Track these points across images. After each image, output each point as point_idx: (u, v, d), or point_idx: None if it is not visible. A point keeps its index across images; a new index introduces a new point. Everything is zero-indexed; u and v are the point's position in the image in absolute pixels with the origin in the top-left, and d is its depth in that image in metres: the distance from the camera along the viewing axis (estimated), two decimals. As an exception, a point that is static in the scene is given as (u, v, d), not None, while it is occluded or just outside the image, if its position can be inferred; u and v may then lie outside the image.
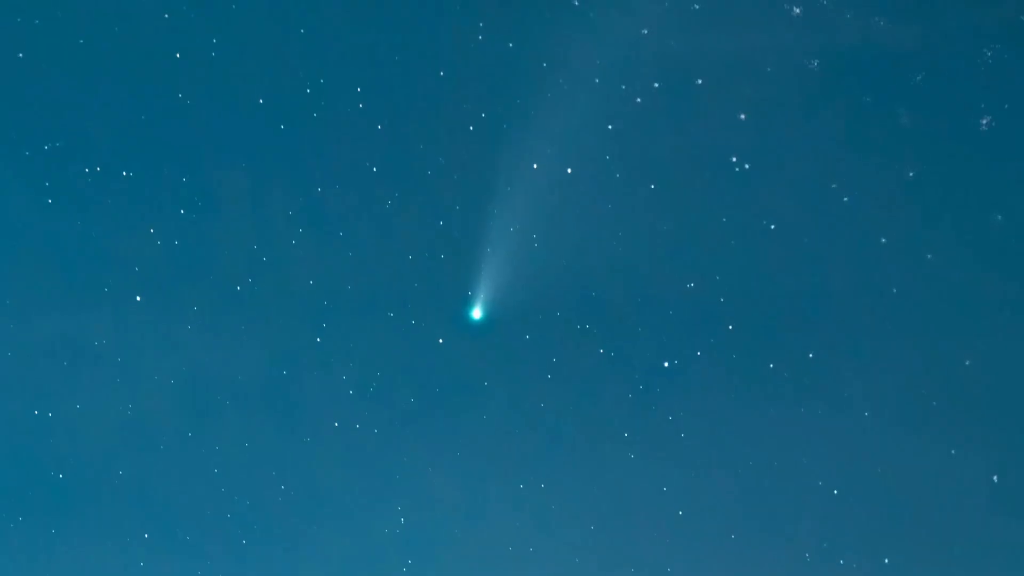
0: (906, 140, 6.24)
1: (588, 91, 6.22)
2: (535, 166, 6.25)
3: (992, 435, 6.20)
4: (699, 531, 6.40)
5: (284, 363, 6.33)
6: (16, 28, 6.08)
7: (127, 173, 6.24)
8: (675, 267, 6.31)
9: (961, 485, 6.18)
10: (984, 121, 6.18)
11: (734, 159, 6.25)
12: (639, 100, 6.24)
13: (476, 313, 6.31)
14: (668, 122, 6.26)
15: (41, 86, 6.13)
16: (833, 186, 6.23)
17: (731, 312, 6.29)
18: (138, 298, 6.26)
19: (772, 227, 6.27)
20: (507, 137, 6.26)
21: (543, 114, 6.24)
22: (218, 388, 6.31)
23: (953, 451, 6.18)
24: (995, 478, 6.16)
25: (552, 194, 6.27)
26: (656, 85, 6.24)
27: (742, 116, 6.25)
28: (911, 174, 6.23)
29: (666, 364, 6.32)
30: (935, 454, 6.16)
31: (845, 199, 6.23)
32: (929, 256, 6.22)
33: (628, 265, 6.33)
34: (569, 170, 6.27)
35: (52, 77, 6.18)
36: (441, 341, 6.33)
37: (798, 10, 6.24)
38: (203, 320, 6.29)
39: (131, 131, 6.23)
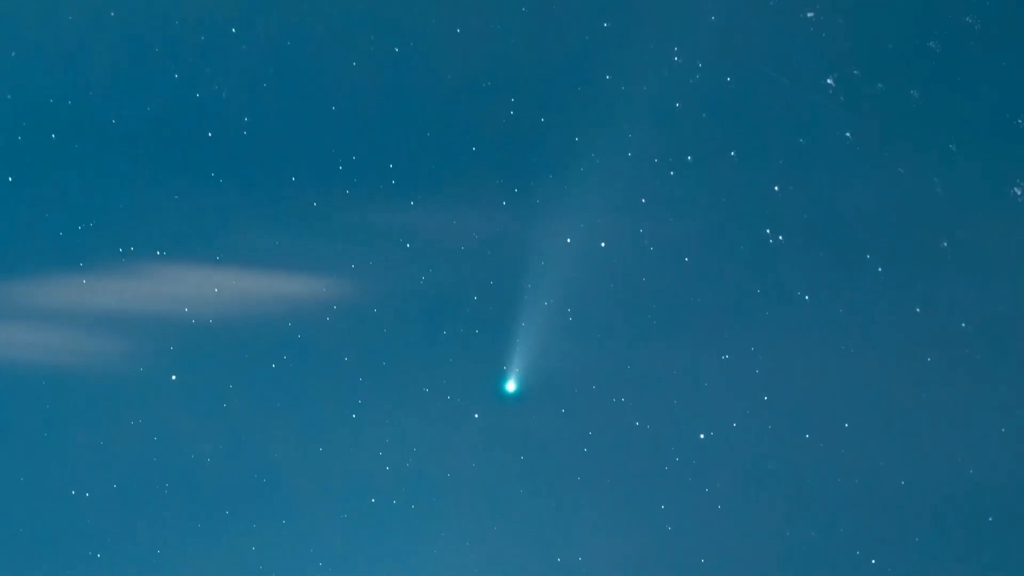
0: (940, 209, 6.25)
1: (621, 165, 6.22)
2: (568, 240, 6.26)
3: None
4: (736, 602, 6.41)
5: (319, 440, 6.32)
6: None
7: (160, 252, 6.25)
8: (709, 339, 6.31)
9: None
10: (1018, 190, 6.18)
11: (768, 231, 6.25)
12: (672, 173, 6.25)
13: (510, 386, 6.32)
14: (701, 195, 6.27)
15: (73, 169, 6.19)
16: (867, 256, 6.24)
17: (766, 383, 6.29)
18: (173, 377, 6.27)
19: (806, 298, 6.28)
20: (540, 211, 6.27)
21: (576, 188, 6.24)
22: (254, 465, 6.31)
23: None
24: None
25: (586, 268, 6.27)
26: (689, 158, 6.24)
27: (776, 188, 6.25)
28: (944, 243, 6.24)
29: (702, 436, 6.32)
30: (984, 550, 6.17)
31: (879, 269, 6.24)
32: (964, 325, 6.23)
33: (662, 338, 6.33)
34: (603, 244, 6.28)
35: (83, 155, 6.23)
36: (476, 416, 6.33)
37: (831, 81, 6.25)
38: (239, 397, 6.29)
39: (163, 210, 6.25)
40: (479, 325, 6.30)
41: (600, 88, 6.23)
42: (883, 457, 6.24)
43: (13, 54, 6.25)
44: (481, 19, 6.24)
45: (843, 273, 6.27)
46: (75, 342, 6.26)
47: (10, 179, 6.25)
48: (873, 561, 6.26)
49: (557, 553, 6.40)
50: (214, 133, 6.25)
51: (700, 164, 6.24)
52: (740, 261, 6.29)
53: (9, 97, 6.21)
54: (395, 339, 6.32)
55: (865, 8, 6.21)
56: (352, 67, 6.27)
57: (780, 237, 6.26)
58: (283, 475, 6.31)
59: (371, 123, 6.28)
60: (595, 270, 6.27)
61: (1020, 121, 6.20)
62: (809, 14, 6.19)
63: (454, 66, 6.26)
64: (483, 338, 6.30)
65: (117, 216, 6.27)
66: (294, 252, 6.30)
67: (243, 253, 6.27)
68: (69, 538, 6.32)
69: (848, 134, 6.23)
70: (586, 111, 6.24)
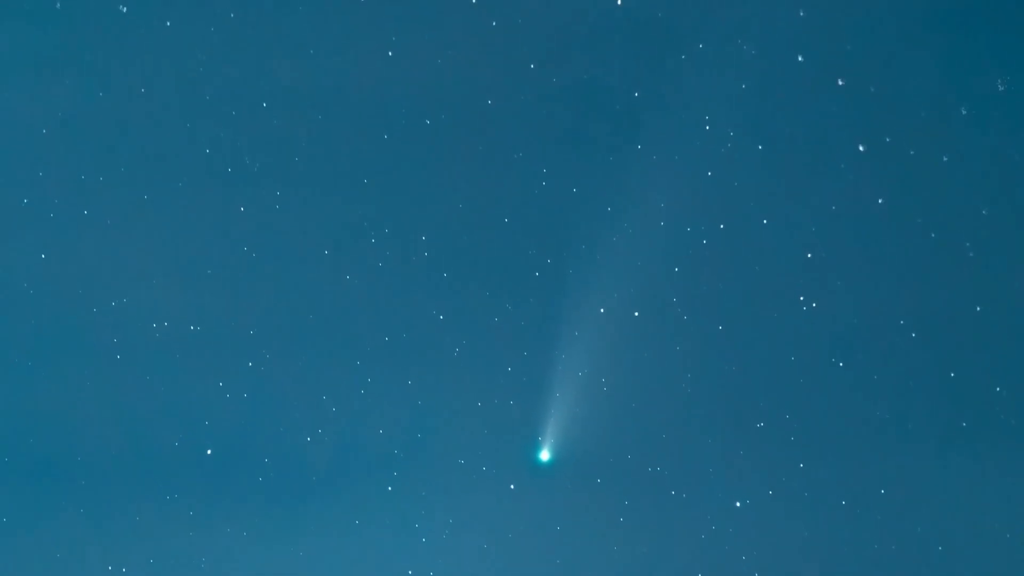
0: (972, 274, 6.24)
1: (653, 234, 6.23)
2: (602, 310, 6.26)
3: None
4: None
5: (356, 513, 6.32)
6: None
7: (194, 327, 6.26)
8: (744, 407, 6.30)
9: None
10: (1051, 255, 6.19)
11: (801, 298, 6.25)
12: (705, 242, 6.25)
13: (544, 455, 6.31)
14: (734, 263, 6.27)
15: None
16: (901, 322, 6.24)
17: (802, 451, 6.28)
18: (208, 451, 6.28)
19: (840, 365, 6.28)
20: (573, 282, 6.27)
21: (609, 258, 6.25)
22: (291, 542, 6.30)
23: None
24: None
25: (619, 338, 6.27)
26: (721, 226, 6.25)
27: (808, 255, 6.26)
28: (978, 308, 6.23)
29: (738, 504, 6.31)
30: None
31: (913, 335, 6.24)
32: (999, 390, 6.22)
33: (698, 406, 6.32)
34: (636, 313, 6.28)
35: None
36: (512, 487, 6.32)
37: (862, 148, 6.25)
38: (274, 471, 6.29)
39: (196, 288, 6.26)
40: (513, 396, 6.30)
41: (632, 157, 6.24)
42: (920, 524, 6.24)
43: (44, 131, 6.27)
44: (512, 91, 6.25)
45: (877, 340, 6.27)
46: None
47: (43, 256, 6.29)
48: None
49: (595, 622, 6.41)
50: (246, 207, 6.27)
51: (733, 233, 6.25)
52: (774, 329, 6.28)
53: (41, 174, 6.24)
54: (429, 411, 6.32)
55: (896, 75, 6.21)
56: (384, 140, 6.28)
57: (813, 304, 6.26)
58: (321, 553, 6.31)
59: (403, 196, 6.29)
60: (629, 340, 6.28)
61: (1052, 185, 6.21)
62: (840, 82, 6.19)
63: (485, 138, 6.27)
64: (518, 409, 6.30)
65: (145, 292, 6.29)
66: (328, 325, 6.31)
67: (277, 328, 6.29)
68: None
69: (880, 200, 6.23)
70: (618, 181, 6.25)
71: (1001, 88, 6.22)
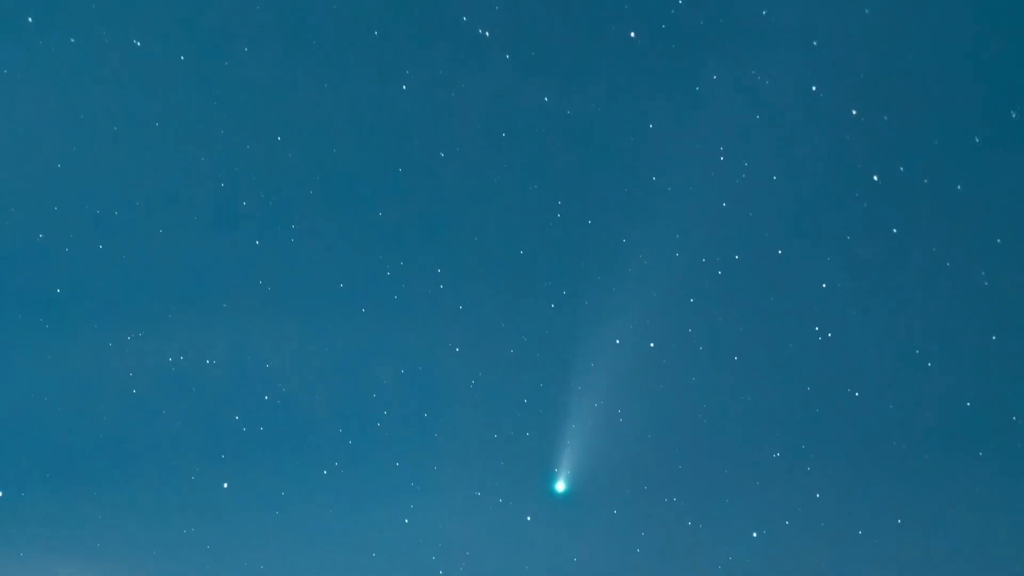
0: (987, 302, 6.24)
1: (669, 265, 6.23)
2: (617, 341, 6.27)
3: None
4: None
5: (373, 546, 6.34)
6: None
7: (210, 361, 6.27)
8: (760, 437, 6.32)
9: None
10: (1067, 284, 6.19)
11: (816, 328, 6.26)
12: (720, 273, 6.26)
13: (560, 486, 6.32)
14: (750, 294, 6.28)
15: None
16: (916, 352, 6.25)
17: (818, 480, 6.29)
18: (225, 485, 6.28)
19: (856, 394, 6.28)
20: (589, 313, 6.28)
21: (624, 289, 6.25)
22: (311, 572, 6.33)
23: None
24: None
25: (635, 369, 6.28)
26: (737, 257, 6.26)
27: (823, 285, 6.26)
28: (993, 337, 6.24)
29: (755, 534, 6.32)
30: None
31: (929, 364, 6.24)
32: (1015, 419, 6.23)
33: (714, 437, 6.34)
34: (652, 344, 6.29)
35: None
36: (529, 518, 6.34)
37: (876, 178, 6.25)
38: (291, 504, 6.30)
39: (212, 319, 6.27)
40: (529, 427, 6.32)
41: (646, 189, 6.24)
42: (937, 554, 6.25)
43: (59, 166, 6.27)
44: (527, 123, 6.26)
45: (893, 369, 6.28)
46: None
47: (58, 291, 6.29)
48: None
49: (612, 653, 6.41)
50: (261, 241, 6.28)
51: (747, 263, 6.25)
52: (789, 359, 6.30)
53: (56, 209, 6.24)
54: (446, 444, 6.34)
55: (909, 105, 6.21)
56: (398, 173, 6.29)
57: (829, 334, 6.27)
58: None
59: (418, 228, 6.30)
60: (644, 371, 6.28)
61: (1067, 215, 6.21)
62: (853, 112, 6.19)
63: (500, 170, 6.28)
64: (534, 440, 6.31)
65: (161, 325, 6.30)
66: (343, 358, 6.32)
67: (292, 361, 6.30)
68: None
69: (894, 230, 6.24)
70: (633, 212, 6.25)
71: (1014, 117, 6.23)
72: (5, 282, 6.15)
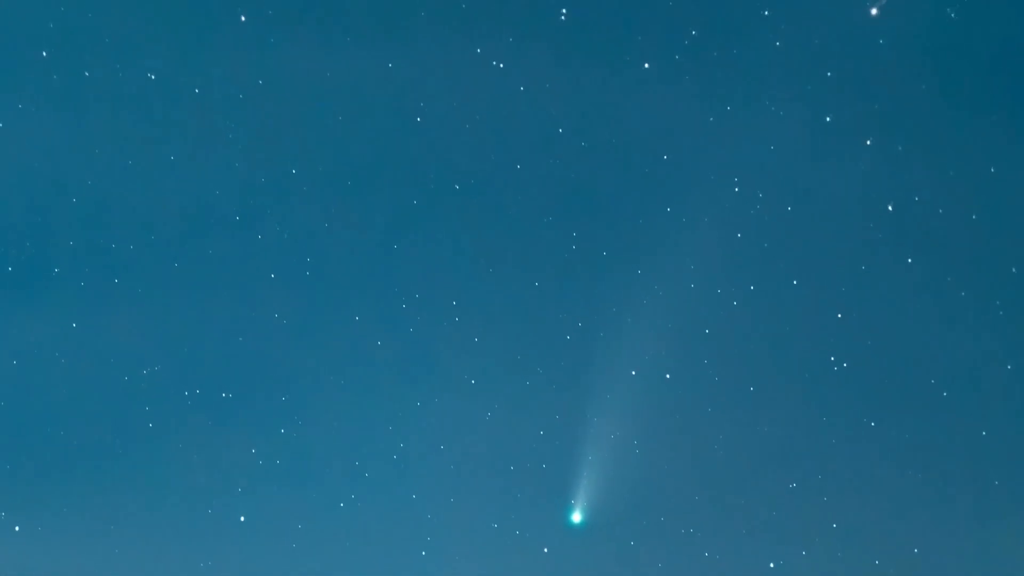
0: (1003, 332, 6.25)
1: (684, 296, 6.24)
2: (633, 373, 6.27)
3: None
4: None
5: (390, 577, 6.35)
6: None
7: (226, 394, 6.28)
8: (777, 468, 6.31)
9: None
10: (1082, 314, 6.20)
11: (832, 358, 6.27)
12: (735, 303, 6.27)
13: (576, 517, 6.32)
14: (765, 325, 6.29)
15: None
16: (932, 381, 6.25)
17: (834, 511, 6.28)
18: (242, 519, 6.28)
19: (872, 424, 6.28)
20: (604, 345, 6.28)
21: (639, 321, 6.25)
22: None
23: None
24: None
25: (651, 400, 6.28)
26: (752, 288, 6.26)
27: (839, 315, 6.27)
28: (1009, 367, 6.25)
29: (772, 565, 6.31)
30: None
31: (944, 394, 6.25)
32: (1030, 448, 6.24)
33: (730, 467, 6.33)
34: (668, 376, 6.29)
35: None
36: (546, 550, 6.33)
37: (891, 208, 6.26)
38: (308, 537, 6.29)
39: (229, 351, 6.29)
40: (546, 459, 6.32)
41: (661, 220, 6.25)
42: (955, 584, 6.26)
43: (74, 200, 6.28)
44: (541, 155, 6.27)
45: (908, 398, 6.28)
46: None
47: (74, 325, 6.29)
48: None
49: None
50: (277, 275, 6.29)
51: (763, 294, 6.26)
52: (805, 389, 6.30)
53: (72, 243, 6.24)
54: (462, 476, 6.33)
55: (923, 135, 6.22)
56: (413, 205, 6.31)
57: (844, 364, 6.27)
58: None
59: (433, 261, 6.31)
60: (660, 402, 6.29)
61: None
62: (868, 142, 6.20)
63: (515, 202, 6.29)
64: (550, 472, 6.31)
65: (177, 359, 6.31)
66: (359, 391, 6.32)
67: (308, 394, 6.30)
68: None
69: (909, 260, 6.24)
70: (648, 243, 6.26)
71: (1030, 148, 6.24)
72: (23, 323, 6.16)
